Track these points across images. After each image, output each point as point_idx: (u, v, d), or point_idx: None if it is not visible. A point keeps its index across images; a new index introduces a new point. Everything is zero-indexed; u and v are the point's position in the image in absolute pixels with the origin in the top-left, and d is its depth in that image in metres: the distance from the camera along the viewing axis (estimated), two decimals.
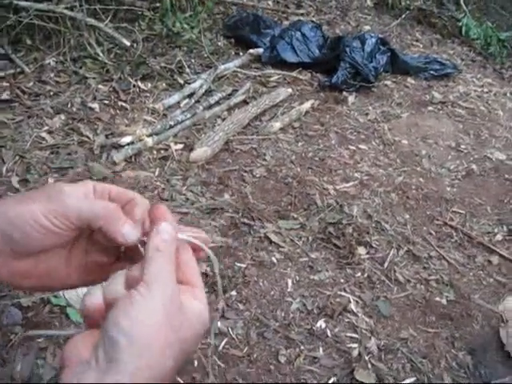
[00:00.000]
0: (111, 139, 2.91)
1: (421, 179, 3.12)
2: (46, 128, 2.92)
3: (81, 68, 3.44)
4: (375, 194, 2.93)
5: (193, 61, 3.88)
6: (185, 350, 0.51)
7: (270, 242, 2.50)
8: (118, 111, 3.21)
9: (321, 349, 2.08)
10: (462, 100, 4.14)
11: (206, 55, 3.88)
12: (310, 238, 2.56)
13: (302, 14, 5.03)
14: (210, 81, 3.58)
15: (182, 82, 3.59)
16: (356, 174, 3.06)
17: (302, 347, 2.07)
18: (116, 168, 2.76)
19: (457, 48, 5.19)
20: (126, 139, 2.86)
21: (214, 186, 2.78)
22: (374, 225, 2.69)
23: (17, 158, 2.68)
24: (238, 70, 3.86)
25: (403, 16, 5.44)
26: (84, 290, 0.61)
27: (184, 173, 2.83)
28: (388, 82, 4.19)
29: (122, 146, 2.84)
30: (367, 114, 3.70)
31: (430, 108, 3.94)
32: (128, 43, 3.53)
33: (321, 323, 2.17)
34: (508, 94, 4.40)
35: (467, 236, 2.74)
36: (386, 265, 2.48)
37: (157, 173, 2.80)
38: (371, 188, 2.96)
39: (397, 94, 4.06)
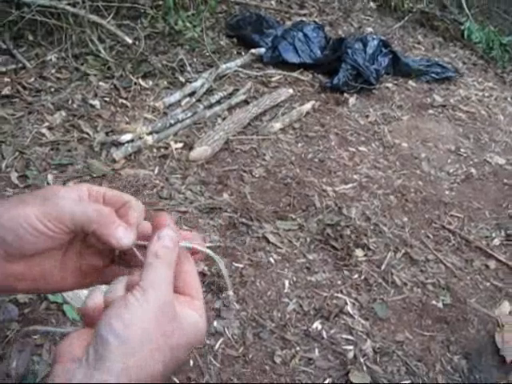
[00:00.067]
0: (111, 136, 2.91)
1: (420, 182, 3.13)
2: (47, 124, 2.92)
3: (82, 65, 3.44)
4: (374, 196, 2.93)
5: (194, 59, 3.88)
6: (176, 357, 0.52)
7: (268, 242, 2.51)
8: (118, 108, 3.21)
9: (316, 350, 2.09)
10: (462, 104, 4.15)
11: (207, 54, 3.88)
12: (308, 239, 2.56)
13: (304, 15, 5.03)
14: (212, 80, 3.58)
15: (183, 80, 3.59)
16: (355, 176, 3.07)
17: (298, 348, 2.08)
18: (115, 165, 2.76)
19: (459, 51, 5.19)
20: (126, 137, 2.86)
21: (213, 185, 2.79)
22: (372, 227, 2.70)
23: (16, 153, 2.68)
24: (240, 69, 3.86)
25: (406, 18, 5.45)
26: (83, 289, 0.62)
27: (183, 171, 2.83)
28: (389, 85, 4.19)
29: (122, 144, 2.84)
30: (368, 116, 3.70)
31: (430, 111, 3.94)
32: (130, 41, 3.53)
33: (317, 324, 2.18)
34: (509, 99, 4.40)
35: (465, 240, 2.74)
36: (383, 267, 2.49)
37: (156, 171, 2.80)
38: (370, 190, 2.97)
39: (398, 96, 4.06)
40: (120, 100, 3.28)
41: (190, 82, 3.56)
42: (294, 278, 2.37)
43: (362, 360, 2.06)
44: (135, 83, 3.41)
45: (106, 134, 2.96)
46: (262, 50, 4.10)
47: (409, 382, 2.02)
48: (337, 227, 2.63)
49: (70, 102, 3.14)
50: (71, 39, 3.48)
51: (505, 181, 3.29)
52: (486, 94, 4.40)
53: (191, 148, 2.97)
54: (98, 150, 2.83)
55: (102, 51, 3.50)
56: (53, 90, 3.20)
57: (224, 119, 3.29)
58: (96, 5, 3.59)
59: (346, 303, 2.29)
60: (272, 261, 2.43)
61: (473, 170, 3.34)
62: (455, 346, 2.19)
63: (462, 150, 3.55)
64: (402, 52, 4.66)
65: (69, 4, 3.42)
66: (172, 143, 3.00)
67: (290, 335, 2.12)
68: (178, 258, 0.56)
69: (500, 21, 6.18)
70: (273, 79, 3.93)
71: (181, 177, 2.80)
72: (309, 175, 3.00)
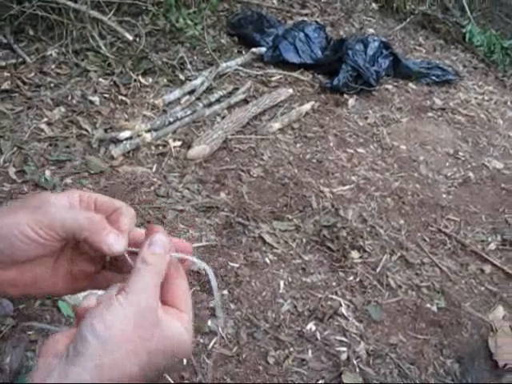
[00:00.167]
0: (110, 133, 2.91)
1: (417, 185, 3.13)
2: (46, 120, 2.92)
3: (82, 60, 3.44)
4: (371, 198, 2.93)
5: (195, 57, 3.88)
6: (155, 364, 0.52)
7: (264, 242, 2.51)
8: (117, 105, 3.21)
9: (310, 351, 2.09)
10: (462, 107, 4.15)
11: (208, 52, 3.88)
12: (304, 240, 2.57)
13: (306, 15, 5.02)
14: (212, 78, 3.58)
15: (183, 78, 3.59)
16: (353, 178, 3.07)
17: (291, 349, 2.09)
18: (113, 162, 2.77)
19: (460, 54, 5.19)
20: (125, 134, 2.86)
21: (210, 184, 2.79)
22: (368, 229, 2.70)
23: (15, 148, 2.68)
24: (240, 68, 3.86)
25: (407, 20, 5.44)
26: None
27: (181, 170, 2.84)
28: (389, 86, 4.19)
29: (121, 141, 2.85)
30: (367, 118, 3.70)
31: (429, 114, 3.94)
32: (131, 37, 3.53)
33: (311, 326, 2.18)
34: (508, 103, 4.40)
35: (461, 244, 2.75)
36: (378, 270, 2.49)
37: (154, 169, 2.81)
38: (367, 192, 2.97)
39: (397, 98, 4.07)
40: (119, 97, 3.28)
41: (190, 80, 3.56)
42: (290, 279, 2.37)
43: (355, 362, 2.07)
44: (135, 80, 3.42)
45: (105, 130, 2.96)
46: (263, 49, 4.09)
47: None
48: (333, 228, 2.64)
49: (69, 97, 3.14)
50: (72, 35, 3.48)
51: (502, 185, 3.30)
52: (486, 98, 4.40)
53: (189, 146, 2.97)
54: (96, 147, 2.83)
55: (103, 47, 3.50)
56: (52, 85, 3.20)
57: (223, 118, 3.30)
58: (97, 1, 3.59)
59: (341, 305, 2.30)
60: (268, 261, 2.43)
61: (470, 174, 3.34)
62: (448, 350, 2.19)
63: (460, 153, 3.55)
64: (402, 54, 4.65)
65: None
66: (170, 141, 3.00)
67: (284, 336, 2.12)
68: (169, 270, 0.57)
69: (502, 24, 6.17)
70: (273, 79, 3.93)
71: (178, 175, 2.80)
72: (306, 176, 3.00)
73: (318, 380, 1.99)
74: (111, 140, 2.86)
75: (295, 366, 2.03)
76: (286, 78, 3.98)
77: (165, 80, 3.53)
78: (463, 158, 3.51)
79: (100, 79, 3.36)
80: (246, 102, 3.53)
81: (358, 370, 2.04)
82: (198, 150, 2.92)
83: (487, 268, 2.64)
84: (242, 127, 3.27)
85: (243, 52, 4.14)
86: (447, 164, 3.42)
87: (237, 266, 2.36)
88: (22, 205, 0.57)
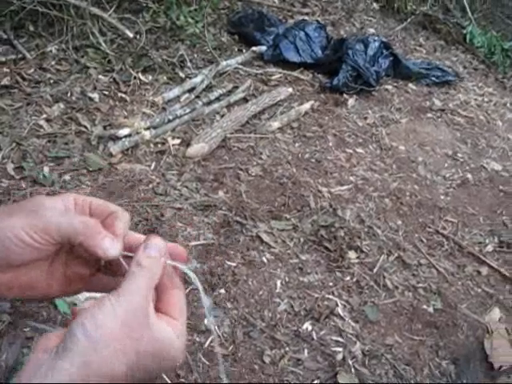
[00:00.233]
0: (109, 130, 2.91)
1: (415, 186, 3.13)
2: (45, 116, 2.92)
3: (82, 57, 3.44)
4: (369, 198, 2.94)
5: (195, 55, 3.88)
6: (143, 365, 0.52)
7: (262, 241, 2.51)
8: (117, 102, 3.21)
9: (305, 351, 2.10)
10: (461, 108, 4.15)
11: (208, 50, 3.88)
12: (302, 240, 2.57)
13: (307, 14, 5.02)
14: (211, 76, 3.58)
15: (183, 76, 3.59)
16: (351, 178, 3.07)
17: (287, 348, 2.09)
18: (112, 160, 2.77)
19: (460, 55, 5.19)
20: (124, 131, 2.86)
21: (208, 182, 2.79)
22: (366, 229, 2.70)
23: (13, 144, 2.68)
24: (240, 66, 3.86)
25: (408, 20, 5.44)
26: None
27: (180, 168, 2.84)
28: (389, 87, 4.19)
29: (120, 138, 2.85)
30: (366, 118, 3.70)
31: (429, 115, 3.95)
32: (131, 34, 3.53)
33: (307, 325, 2.19)
34: (508, 105, 4.40)
35: (458, 245, 2.75)
36: (375, 270, 2.50)
37: (152, 166, 2.81)
38: (365, 192, 2.97)
39: (397, 99, 4.07)
40: (119, 94, 3.28)
41: (190, 78, 3.55)
42: (286, 279, 2.37)
43: (350, 362, 2.07)
44: (135, 77, 3.41)
45: (104, 127, 2.96)
46: (263, 47, 4.09)
47: None
48: (331, 228, 2.64)
49: (68, 94, 3.14)
50: (72, 31, 3.48)
51: (500, 187, 3.30)
52: (486, 100, 4.41)
53: (188, 144, 2.97)
54: (95, 144, 2.83)
55: (103, 44, 3.49)
56: (52, 81, 3.19)
57: (222, 116, 3.30)
58: None
59: (337, 305, 2.30)
60: (265, 260, 2.44)
61: (469, 176, 3.35)
62: (444, 351, 2.20)
63: (459, 154, 3.55)
64: (403, 54, 4.66)
65: None
66: (169, 139, 3.00)
67: (280, 335, 2.13)
68: (164, 280, 0.57)
69: (503, 26, 6.17)
70: (273, 78, 3.93)
71: (177, 173, 2.80)
72: (305, 175, 3.00)
73: (313, 380, 2.00)
74: (110, 137, 2.86)
75: (291, 366, 2.03)
76: (286, 77, 3.98)
77: (165, 78, 3.52)
78: (462, 160, 3.51)
79: (100, 76, 3.35)
80: (245, 100, 3.53)
81: (353, 370, 2.05)
82: (197, 148, 2.92)
83: (484, 270, 2.65)
84: (241, 126, 3.27)
85: (243, 50, 4.13)
86: (446, 165, 3.42)
87: (234, 264, 2.37)
88: (17, 208, 0.57)
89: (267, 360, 2.04)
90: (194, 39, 3.94)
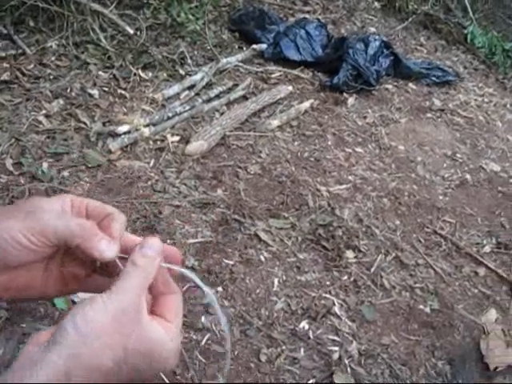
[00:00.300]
0: (108, 127, 2.91)
1: (414, 186, 3.14)
2: (44, 112, 2.92)
3: (82, 53, 3.43)
4: (367, 198, 2.94)
5: (195, 52, 3.87)
6: (132, 364, 0.53)
7: (260, 240, 2.52)
8: (116, 99, 3.21)
9: (302, 350, 2.10)
10: (461, 109, 4.15)
11: (208, 47, 3.87)
12: (300, 239, 2.57)
13: (308, 12, 5.01)
14: (211, 74, 3.57)
15: (183, 73, 3.58)
16: (350, 177, 3.07)
17: (284, 347, 2.09)
18: (111, 156, 2.77)
19: (461, 55, 5.18)
20: (123, 128, 2.86)
21: (207, 180, 2.79)
22: (363, 229, 2.71)
23: (12, 140, 2.68)
24: (240, 64, 3.86)
25: (409, 20, 5.43)
26: None
27: (179, 165, 2.84)
28: (389, 86, 4.19)
29: (119, 135, 2.84)
30: (366, 117, 3.70)
31: (428, 115, 3.94)
32: (131, 31, 3.53)
33: (304, 324, 2.19)
34: (508, 106, 4.40)
35: (456, 246, 2.75)
36: (372, 270, 2.50)
37: (151, 164, 2.81)
38: (364, 192, 2.98)
39: (397, 98, 4.07)
40: (119, 90, 3.27)
41: (190, 75, 3.55)
42: (284, 277, 2.38)
43: (346, 361, 2.08)
44: (135, 74, 3.41)
45: (103, 124, 2.96)
46: (264, 45, 4.09)
47: None
48: (329, 228, 2.64)
49: (68, 90, 3.13)
50: (72, 27, 3.47)
51: (499, 188, 3.31)
52: (486, 100, 4.41)
53: (188, 142, 2.97)
54: (94, 140, 2.83)
55: (103, 40, 3.49)
56: (52, 77, 3.19)
57: (222, 114, 3.29)
58: None
59: (334, 304, 2.30)
60: (262, 259, 2.44)
61: (468, 176, 3.35)
62: (440, 352, 2.21)
63: (458, 155, 3.56)
64: (403, 54, 4.65)
65: None
66: (169, 136, 3.00)
67: (277, 334, 2.13)
68: (160, 282, 0.58)
69: (504, 26, 6.17)
70: (273, 76, 3.92)
71: (176, 170, 2.80)
72: (304, 174, 3.00)
73: (309, 379, 2.00)
74: (109, 134, 2.86)
75: (287, 365, 2.04)
76: (286, 75, 3.97)
77: (165, 74, 3.52)
78: (461, 160, 3.51)
79: (100, 72, 3.35)
80: (245, 98, 3.53)
81: (349, 369, 2.06)
82: (196, 145, 2.92)
83: (481, 271, 2.65)
84: (240, 124, 3.27)
85: (244, 48, 4.13)
86: (445, 165, 3.43)
87: (232, 263, 2.37)
88: (15, 210, 0.58)
89: (263, 358, 2.04)
90: (194, 36, 3.93)
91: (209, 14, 4.17)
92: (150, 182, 2.68)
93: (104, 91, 3.23)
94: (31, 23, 3.47)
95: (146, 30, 3.66)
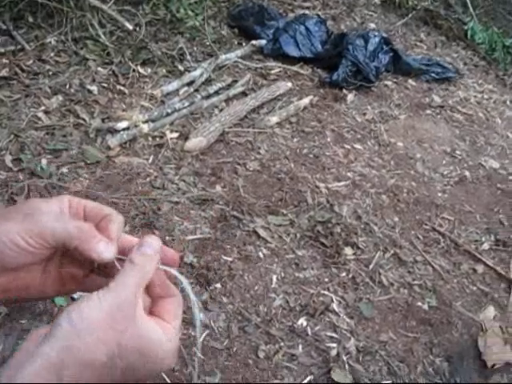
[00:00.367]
0: (107, 123, 2.91)
1: (413, 183, 3.14)
2: (43, 108, 2.92)
3: (82, 49, 3.43)
4: (366, 194, 2.94)
5: (195, 48, 3.87)
6: (126, 360, 0.53)
7: (258, 236, 2.52)
8: (116, 95, 3.20)
9: (300, 346, 2.11)
10: (460, 105, 4.15)
11: (208, 43, 3.87)
12: (298, 236, 2.57)
13: (307, 7, 5.00)
14: (211, 70, 3.57)
15: (182, 69, 3.58)
16: (349, 174, 3.07)
17: (282, 344, 2.10)
18: (110, 153, 2.77)
19: (461, 52, 5.17)
20: (122, 124, 2.86)
21: (206, 176, 2.79)
22: (362, 226, 2.71)
23: (12, 136, 2.68)
24: (240, 60, 3.85)
25: (409, 16, 5.42)
26: None
27: (178, 162, 2.84)
28: (388, 83, 4.18)
29: (118, 131, 2.84)
30: (365, 114, 3.70)
31: (428, 111, 3.94)
32: (130, 27, 3.52)
33: (302, 321, 2.20)
34: (508, 102, 4.40)
35: (454, 243, 2.76)
36: (371, 267, 2.50)
37: (150, 160, 2.81)
38: (363, 189, 2.98)
39: (396, 95, 4.06)
40: (118, 86, 3.27)
41: (189, 71, 3.55)
42: (282, 274, 2.38)
43: (344, 358, 2.08)
44: (134, 70, 3.41)
45: (102, 120, 2.96)
46: (263, 41, 4.08)
47: (389, 382, 2.04)
48: (327, 224, 2.65)
49: (67, 86, 3.13)
50: (71, 23, 3.46)
51: (498, 185, 3.31)
52: (485, 97, 4.40)
53: (186, 138, 2.97)
54: (93, 137, 2.83)
55: (102, 36, 3.48)
56: (51, 73, 3.18)
57: (221, 110, 3.29)
58: None
59: (333, 301, 2.31)
60: (261, 255, 2.44)
61: (467, 173, 3.35)
62: (438, 349, 2.21)
63: (457, 152, 3.55)
64: (403, 50, 4.65)
65: None
66: (168, 132, 3.00)
67: (275, 330, 2.14)
68: (158, 285, 0.58)
69: (504, 22, 6.15)
70: (272, 72, 3.92)
71: (175, 167, 2.80)
72: (302, 171, 3.00)
73: (307, 375, 2.01)
74: (108, 130, 2.86)
75: (285, 361, 2.05)
76: (286, 71, 3.97)
77: (164, 70, 3.52)
78: (460, 157, 3.51)
79: (99, 68, 3.35)
80: (244, 94, 3.53)
81: (347, 366, 2.06)
82: (195, 142, 2.92)
83: (480, 268, 2.66)
84: (239, 120, 3.27)
85: (243, 44, 4.13)
86: (444, 162, 3.43)
87: (230, 259, 2.37)
88: (13, 212, 0.58)
89: (262, 355, 2.05)
90: (193, 32, 3.93)
91: (208, 10, 4.17)
92: (148, 179, 2.68)
93: (103, 87, 3.23)
94: (30, 19, 3.46)
95: (145, 25, 3.65)
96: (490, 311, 2.41)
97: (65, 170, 2.59)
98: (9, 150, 2.61)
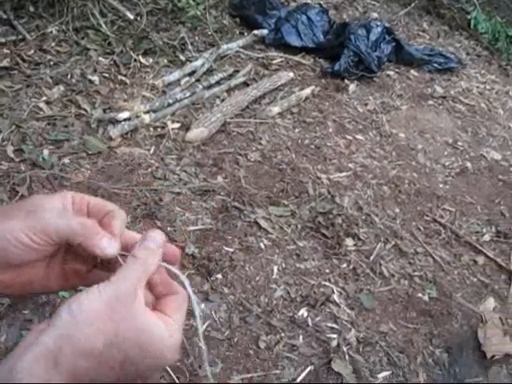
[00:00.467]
0: (109, 114, 2.90)
1: (414, 174, 3.14)
2: (44, 98, 2.91)
3: (83, 39, 3.42)
4: (367, 185, 2.94)
5: (196, 38, 3.85)
6: (124, 351, 0.53)
7: (259, 227, 2.53)
8: (117, 85, 3.20)
9: (301, 337, 2.12)
10: (463, 96, 4.13)
11: (209, 33, 3.85)
12: (299, 226, 2.58)
13: None
14: (212, 60, 3.56)
15: (183, 59, 3.57)
16: (350, 165, 3.07)
17: (283, 334, 2.11)
18: (112, 143, 2.77)
19: (463, 41, 5.15)
20: (124, 115, 2.85)
21: (207, 167, 2.79)
22: (363, 217, 2.71)
23: (13, 127, 2.68)
24: (241, 50, 3.84)
25: (412, 5, 5.39)
26: None
27: (179, 152, 2.84)
28: (391, 73, 4.17)
29: (119, 122, 2.84)
30: (367, 104, 3.69)
31: (430, 102, 3.93)
32: (132, 16, 3.51)
33: (303, 312, 2.21)
34: (510, 93, 4.38)
35: (455, 234, 2.76)
36: (372, 258, 2.51)
37: (152, 151, 2.81)
38: (364, 180, 2.98)
39: (398, 85, 4.05)
40: (119, 76, 3.26)
41: (191, 61, 3.54)
42: (283, 265, 2.39)
43: (344, 349, 2.10)
44: (135, 60, 3.39)
45: (104, 110, 2.96)
46: (265, 31, 4.07)
47: (389, 372, 2.06)
48: (328, 215, 2.65)
49: (68, 76, 3.12)
50: (72, 12, 3.45)
51: (499, 176, 3.30)
52: (488, 87, 4.39)
53: (188, 129, 2.97)
54: (94, 127, 2.82)
55: (103, 26, 3.47)
56: (52, 63, 3.18)
57: (222, 101, 3.29)
58: None
59: (333, 292, 2.32)
60: (262, 246, 2.45)
61: (468, 164, 3.35)
62: (438, 340, 2.22)
63: (459, 143, 3.55)
64: (405, 40, 4.62)
65: None
66: (169, 123, 3.00)
67: (276, 321, 2.15)
68: (160, 284, 0.59)
69: (508, 12, 6.10)
70: (274, 62, 3.91)
71: (176, 157, 2.80)
72: (304, 161, 3.00)
73: (307, 366, 2.02)
74: (110, 120, 2.86)
75: (286, 351, 2.06)
76: (288, 61, 3.95)
77: (165, 60, 3.50)
78: (462, 148, 3.51)
79: (100, 58, 3.34)
80: (246, 84, 3.52)
81: (347, 356, 2.07)
82: (197, 132, 2.92)
83: (480, 259, 2.66)
84: (241, 110, 3.27)
85: (245, 34, 4.11)
86: (445, 153, 3.42)
87: (231, 250, 2.38)
88: (16, 209, 0.58)
89: (262, 345, 2.06)
90: (195, 22, 3.91)
91: None
92: (150, 169, 2.68)
93: (104, 77, 3.22)
94: (31, 8, 3.44)
95: (147, 15, 3.64)
96: (490, 302, 2.42)
97: (66, 160, 2.59)
98: (10, 140, 2.61)
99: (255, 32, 4.01)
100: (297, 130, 3.26)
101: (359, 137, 3.35)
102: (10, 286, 0.60)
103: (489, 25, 5.34)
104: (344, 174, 2.99)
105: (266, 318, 2.15)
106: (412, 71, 4.28)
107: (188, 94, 3.22)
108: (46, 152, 2.59)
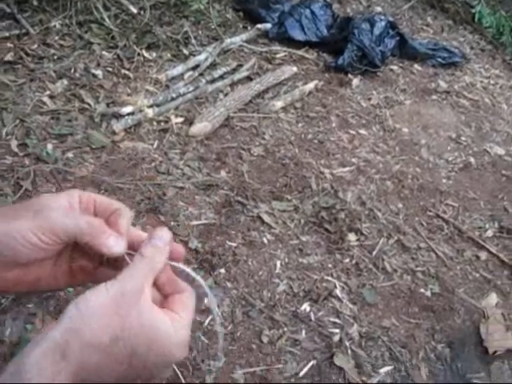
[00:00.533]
0: (112, 108, 2.91)
1: (417, 169, 3.13)
2: (48, 92, 2.91)
3: (86, 33, 3.41)
4: (371, 180, 2.94)
5: (199, 32, 3.85)
6: (130, 346, 0.54)
7: (263, 222, 2.53)
8: (120, 79, 3.20)
9: (303, 332, 2.13)
10: (467, 91, 4.12)
11: (213, 27, 3.84)
12: (302, 221, 2.59)
13: None
14: (216, 54, 3.55)
15: (187, 53, 3.56)
16: (353, 160, 3.07)
17: (285, 329, 2.12)
18: (115, 137, 2.77)
19: (468, 36, 5.13)
20: (127, 109, 2.86)
21: (211, 162, 2.80)
22: (366, 212, 2.72)
23: (17, 121, 2.68)
24: (245, 44, 3.83)
25: None
26: None
27: (182, 147, 2.84)
28: (394, 67, 4.16)
29: (123, 116, 2.85)
30: (370, 99, 3.68)
31: (433, 97, 3.92)
32: (135, 10, 3.50)
33: (305, 306, 2.22)
34: None
35: (458, 230, 2.76)
36: (374, 253, 2.52)
37: (155, 145, 2.81)
38: (367, 174, 2.98)
39: (402, 80, 4.04)
40: (123, 71, 3.26)
41: (194, 56, 3.53)
42: (286, 259, 2.40)
43: (347, 344, 2.11)
44: (139, 54, 3.39)
45: (107, 105, 2.96)
46: (268, 25, 4.05)
47: (391, 367, 2.07)
48: (331, 210, 2.65)
49: (72, 70, 3.12)
50: (76, 6, 3.44)
51: (503, 172, 3.30)
52: (492, 82, 4.37)
53: (191, 123, 2.97)
54: (98, 121, 2.83)
55: (107, 19, 3.46)
56: (56, 57, 3.18)
57: (226, 95, 3.29)
58: None
59: (336, 287, 2.33)
60: (265, 241, 2.46)
61: (472, 160, 3.34)
62: (440, 335, 2.23)
63: (462, 138, 3.54)
64: (409, 34, 4.61)
65: None
66: (172, 117, 3.00)
67: (279, 315, 2.16)
68: (166, 279, 0.59)
69: None
70: (277, 56, 3.90)
71: (179, 152, 2.80)
72: (307, 156, 3.00)
73: (309, 360, 2.03)
74: (113, 115, 2.86)
75: (288, 346, 2.07)
76: (291, 55, 3.95)
77: (168, 55, 3.50)
78: (465, 143, 3.50)
79: (103, 52, 3.33)
80: (249, 79, 3.52)
81: (349, 351, 2.08)
82: (200, 127, 2.92)
83: (483, 255, 2.66)
84: (244, 105, 3.26)
85: (248, 28, 4.10)
86: (449, 148, 3.42)
87: (234, 245, 2.39)
88: (23, 209, 0.59)
89: (265, 340, 2.07)
90: (198, 15, 3.90)
91: None
92: (153, 164, 2.68)
93: (108, 71, 3.22)
94: (35, 2, 3.44)
95: (150, 9, 3.63)
96: (493, 298, 2.43)
97: (70, 154, 2.60)
98: (14, 134, 2.61)
99: (259, 26, 4.00)
100: (300, 125, 3.26)
101: (362, 131, 3.35)
102: (17, 283, 0.61)
103: (493, 19, 5.31)
104: (347, 168, 2.99)
105: (269, 312, 2.16)
106: (416, 66, 4.27)
107: (191, 89, 3.21)
108: (49, 146, 2.60)
